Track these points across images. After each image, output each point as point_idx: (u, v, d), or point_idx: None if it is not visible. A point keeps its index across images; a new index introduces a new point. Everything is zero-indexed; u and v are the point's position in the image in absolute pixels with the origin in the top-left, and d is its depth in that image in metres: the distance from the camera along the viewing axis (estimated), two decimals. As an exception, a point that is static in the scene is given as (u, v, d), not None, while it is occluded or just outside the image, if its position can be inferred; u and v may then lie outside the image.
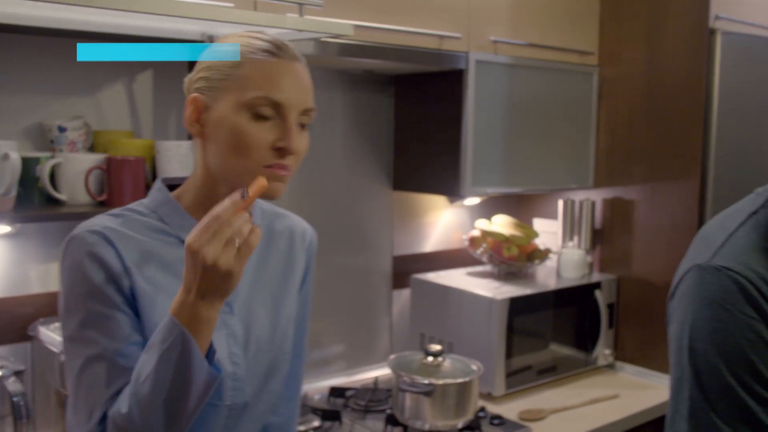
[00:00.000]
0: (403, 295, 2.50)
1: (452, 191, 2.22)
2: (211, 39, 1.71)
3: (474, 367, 1.98)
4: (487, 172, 2.23)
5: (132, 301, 1.04)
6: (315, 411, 2.06)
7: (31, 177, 1.69)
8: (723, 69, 2.25)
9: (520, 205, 2.79)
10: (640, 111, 2.41)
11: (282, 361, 1.21)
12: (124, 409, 0.96)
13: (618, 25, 2.45)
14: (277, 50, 1.04)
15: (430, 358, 1.98)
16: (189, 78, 1.09)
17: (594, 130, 2.52)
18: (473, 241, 2.50)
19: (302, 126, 1.06)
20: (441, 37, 2.06)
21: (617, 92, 2.47)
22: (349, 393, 2.20)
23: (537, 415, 2.10)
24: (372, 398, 2.15)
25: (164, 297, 1.04)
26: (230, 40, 1.06)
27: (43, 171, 1.67)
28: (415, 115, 2.36)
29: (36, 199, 1.71)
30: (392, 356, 2.02)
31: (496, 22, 2.20)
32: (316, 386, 2.27)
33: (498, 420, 2.05)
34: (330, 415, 2.04)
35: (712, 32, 2.25)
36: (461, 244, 2.62)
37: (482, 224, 2.54)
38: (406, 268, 2.50)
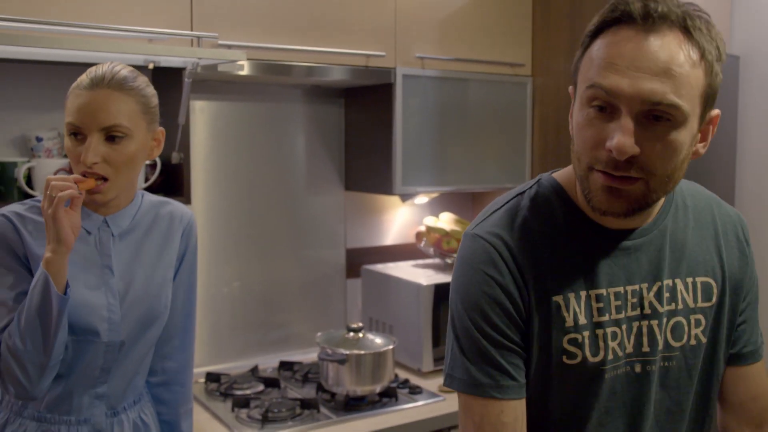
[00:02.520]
0: (357, 284, 2.81)
1: (386, 190, 2.53)
2: (153, 64, 2.08)
3: (389, 342, 2.28)
4: (416, 173, 2.52)
5: (26, 264, 1.41)
6: (260, 379, 2.40)
7: (11, 178, 2.09)
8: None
9: (474, 203, 3.06)
10: (567, 117, 2.65)
11: (157, 312, 1.56)
12: (11, 333, 1.36)
13: (547, 39, 2.71)
14: (89, 82, 1.39)
15: (351, 334, 2.29)
16: None
17: (529, 134, 2.78)
18: (419, 235, 2.79)
19: (113, 139, 1.40)
20: (367, 55, 2.38)
21: (548, 100, 2.73)
22: (296, 367, 2.53)
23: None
24: (313, 371, 2.47)
25: None
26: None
27: (20, 173, 2.06)
28: (361, 123, 2.68)
29: (15, 196, 2.10)
30: (319, 333, 2.34)
31: (423, 40, 2.50)
32: (272, 360, 2.60)
33: (417, 390, 2.34)
34: (270, 382, 2.37)
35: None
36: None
37: (429, 221, 2.83)
38: (360, 260, 2.81)
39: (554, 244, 1.16)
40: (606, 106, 1.03)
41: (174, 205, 1.63)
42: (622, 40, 1.02)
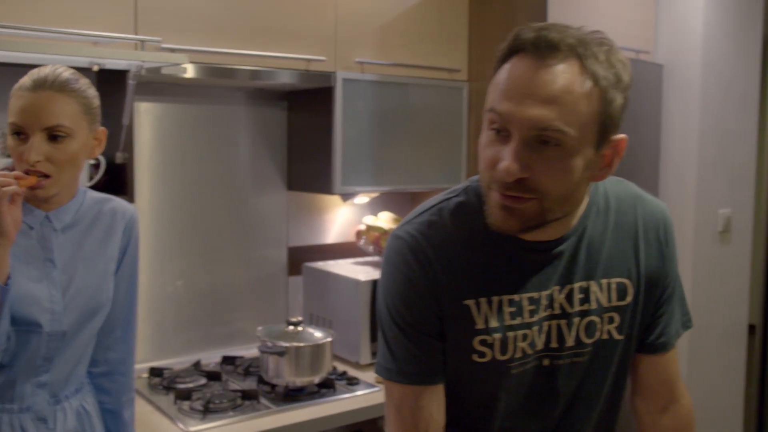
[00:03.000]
0: (299, 281, 2.90)
1: (326, 189, 2.62)
2: (97, 67, 2.13)
3: (327, 335, 2.37)
4: (355, 173, 2.62)
5: None
6: (202, 373, 2.47)
7: (-46, 177, 2.13)
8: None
9: (413, 203, 3.17)
10: (499, 120, 2.78)
11: (99, 303, 1.63)
12: None
13: (483, 46, 2.84)
14: (32, 84, 1.46)
15: (291, 327, 2.38)
16: None
17: (465, 137, 2.90)
18: (359, 234, 2.89)
19: (55, 138, 1.47)
20: (308, 60, 2.47)
21: (482, 104, 2.82)
22: (238, 361, 2.60)
23: (392, 379, 2.48)
24: (254, 365, 2.54)
25: None
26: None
27: (-37, 172, 2.11)
28: (303, 126, 2.77)
29: (-42, 195, 2.14)
30: (260, 327, 2.42)
31: (362, 45, 2.60)
32: (215, 355, 2.67)
33: (354, 381, 2.44)
34: (213, 376, 2.45)
35: (552, 52, 2.62)
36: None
37: (368, 219, 2.93)
38: (302, 258, 2.90)
39: (471, 251, 1.22)
40: (502, 129, 1.09)
41: (116, 201, 1.71)
42: (519, 69, 1.08)
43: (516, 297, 1.23)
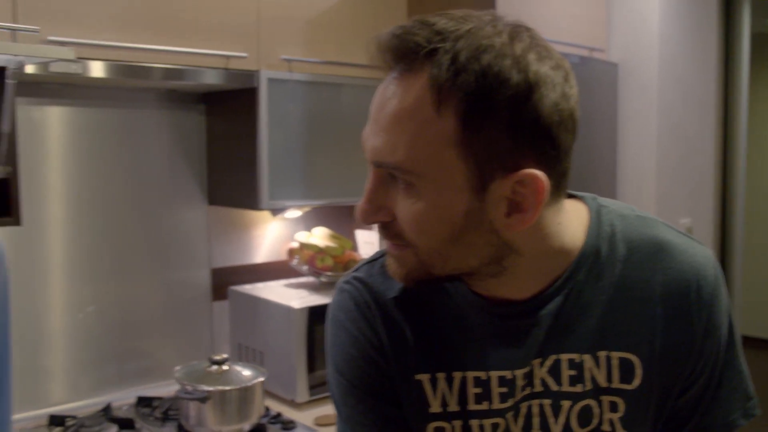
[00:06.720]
0: (225, 307, 2.57)
1: (252, 205, 2.30)
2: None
3: (257, 374, 2.06)
4: (284, 186, 2.31)
5: None
6: (113, 420, 2.12)
7: None
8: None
9: (351, 217, 2.88)
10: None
11: None
12: None
13: (423, 42, 2.56)
14: None
15: (215, 367, 2.05)
16: None
17: (407, 143, 2.61)
18: (291, 252, 2.58)
19: None
20: (227, 57, 2.15)
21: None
22: (155, 403, 2.26)
23: (333, 420, 2.18)
24: (174, 407, 2.21)
25: None
26: None
27: None
28: (224, 132, 2.44)
29: None
30: (178, 367, 2.09)
31: (289, 41, 2.30)
32: (129, 395, 2.32)
33: (290, 426, 2.12)
34: (125, 424, 2.10)
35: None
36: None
37: (302, 236, 2.62)
38: (227, 280, 2.57)
39: (427, 312, 0.96)
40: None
41: None
42: (381, 84, 0.87)
43: (483, 375, 0.93)
